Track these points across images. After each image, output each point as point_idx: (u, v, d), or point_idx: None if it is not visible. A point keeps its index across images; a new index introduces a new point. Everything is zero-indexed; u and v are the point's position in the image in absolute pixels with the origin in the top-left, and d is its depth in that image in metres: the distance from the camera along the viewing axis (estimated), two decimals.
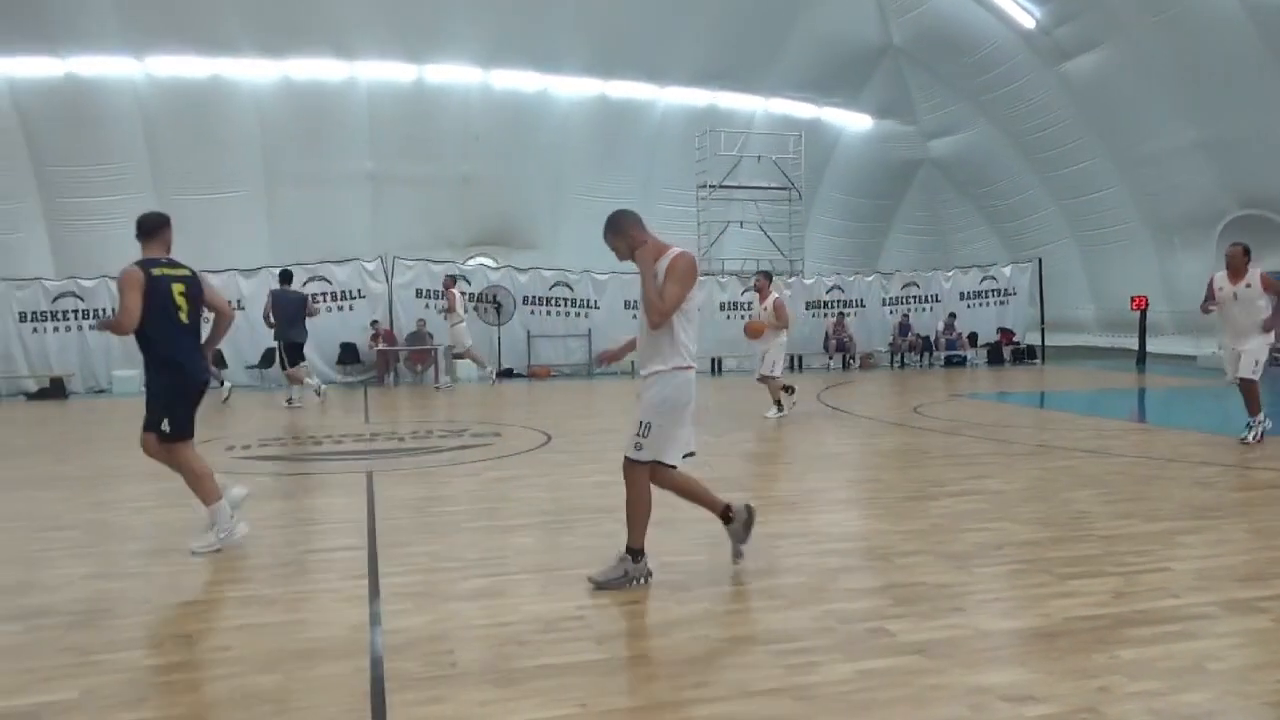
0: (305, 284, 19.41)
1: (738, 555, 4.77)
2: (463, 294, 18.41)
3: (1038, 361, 22.67)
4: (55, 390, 17.64)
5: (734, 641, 3.77)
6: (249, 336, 18.53)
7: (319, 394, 14.68)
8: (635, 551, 4.50)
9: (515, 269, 20.42)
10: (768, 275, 12.69)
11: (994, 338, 23.03)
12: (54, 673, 3.53)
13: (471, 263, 21.54)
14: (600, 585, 4.43)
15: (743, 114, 25.39)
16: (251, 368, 18.77)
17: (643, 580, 4.49)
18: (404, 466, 8.47)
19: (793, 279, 22.92)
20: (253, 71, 20.74)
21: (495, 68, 22.67)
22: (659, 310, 4.40)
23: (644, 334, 4.57)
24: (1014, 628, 3.94)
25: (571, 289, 20.71)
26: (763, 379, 12.06)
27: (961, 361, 22.55)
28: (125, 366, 18.39)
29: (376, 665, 3.55)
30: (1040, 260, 23.26)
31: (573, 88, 23.64)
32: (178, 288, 5.37)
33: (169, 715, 3.14)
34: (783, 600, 4.28)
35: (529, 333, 20.07)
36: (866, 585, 4.54)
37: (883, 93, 25.72)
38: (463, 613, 4.19)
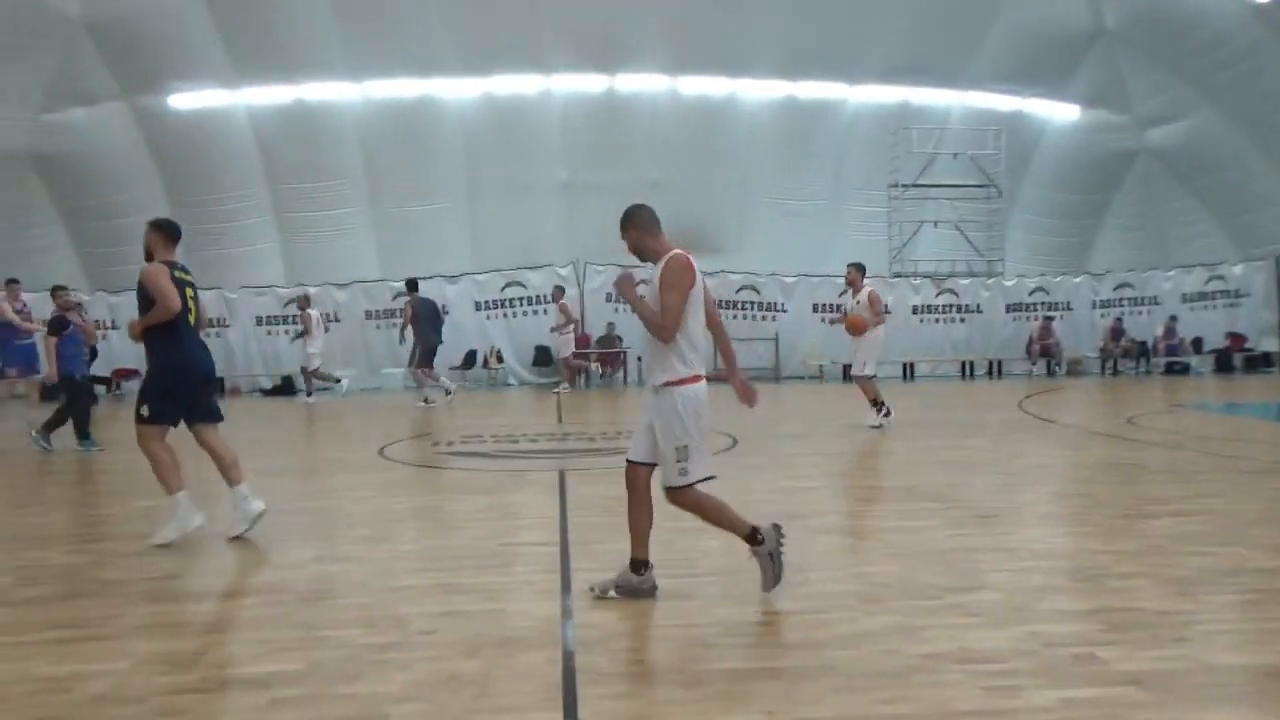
0: (503, 289, 20.42)
1: (768, 585, 4.29)
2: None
3: (1275, 370, 20.45)
4: (285, 388, 19.38)
5: (928, 658, 3.64)
6: (452, 339, 19.62)
7: (449, 393, 15.71)
8: (754, 537, 4.32)
9: (703, 273, 20.56)
10: (859, 267, 11.77)
11: (1222, 343, 20.99)
12: (285, 644, 3.89)
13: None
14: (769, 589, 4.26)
15: (938, 109, 24.39)
16: (455, 369, 19.86)
17: (780, 549, 4.30)
18: (594, 466, 8.71)
19: (992, 280, 21.81)
20: (457, 90, 21.99)
21: (683, 74, 22.93)
22: (660, 327, 4.30)
23: (650, 343, 4.42)
24: (1246, 663, 3.58)
25: (758, 292, 20.63)
26: (857, 380, 11.44)
27: (1184, 369, 20.72)
28: (344, 366, 19.99)
29: (568, 658, 3.68)
30: (1278, 259, 20.98)
31: (761, 90, 23.52)
32: (189, 291, 5.86)
33: (383, 692, 3.38)
34: (981, 618, 4.08)
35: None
36: (1075, 607, 4.25)
37: (1093, 80, 23.96)
38: (650, 612, 4.26)
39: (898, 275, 22.17)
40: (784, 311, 20.63)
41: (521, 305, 20.33)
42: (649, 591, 4.45)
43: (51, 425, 10.21)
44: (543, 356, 20.20)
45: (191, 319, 5.87)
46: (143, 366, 6.46)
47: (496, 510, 6.70)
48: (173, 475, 5.71)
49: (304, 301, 17.73)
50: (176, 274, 5.80)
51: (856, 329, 11.12)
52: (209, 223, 22.27)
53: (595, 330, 20.14)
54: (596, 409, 15.29)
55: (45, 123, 21.64)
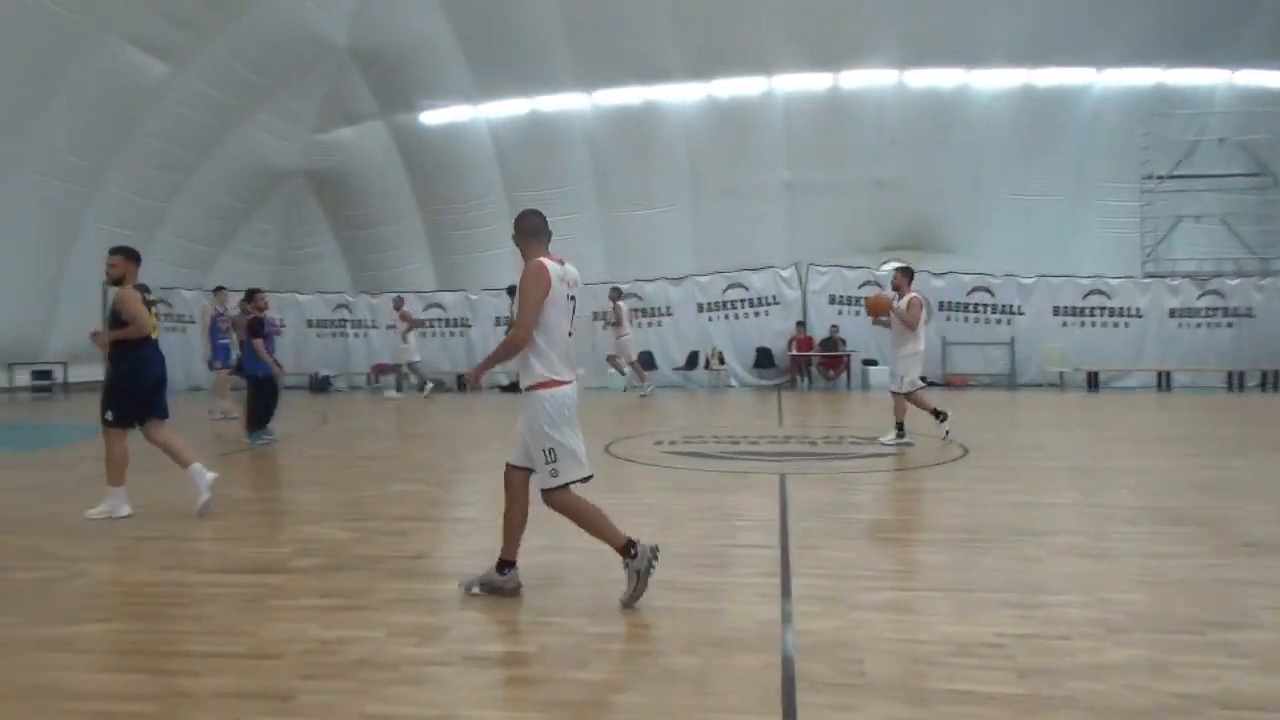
0: (725, 291, 20.59)
1: (628, 600, 4.33)
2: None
3: None
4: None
5: (1185, 699, 3.31)
6: (675, 340, 20.05)
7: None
8: (627, 551, 4.40)
9: (931, 273, 19.76)
10: (906, 271, 10.59)
11: None
12: (517, 627, 4.14)
13: (886, 268, 21.23)
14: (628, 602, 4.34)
15: (1200, 91, 22.07)
16: (678, 369, 20.23)
17: (650, 570, 4.36)
18: (816, 470, 8.60)
19: (1266, 280, 19.47)
20: (681, 95, 22.41)
21: (912, 67, 22.13)
22: (514, 337, 4.47)
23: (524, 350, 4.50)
24: None
25: (992, 294, 19.55)
26: (898, 394, 10.18)
27: None
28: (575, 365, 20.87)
29: (787, 664, 3.66)
30: None
31: (995, 80, 22.29)
32: (153, 310, 6.84)
33: (607, 680, 3.52)
34: (1250, 660, 3.66)
35: (944, 340, 19.28)
36: None
37: None
38: (873, 623, 4.16)
39: (1151, 275, 20.29)
40: (1020, 314, 19.41)
41: (743, 307, 20.40)
42: (512, 590, 4.56)
43: (257, 423, 11.14)
44: (764, 358, 20.17)
45: (155, 334, 6.84)
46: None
47: (717, 510, 6.77)
48: (120, 471, 6.71)
49: (615, 294, 18.59)
50: (147, 297, 6.79)
51: (877, 309, 10.30)
52: (453, 229, 24.08)
53: (818, 332, 19.86)
54: (819, 412, 15.07)
55: (317, 141, 24.23)
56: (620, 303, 18.53)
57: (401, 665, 3.67)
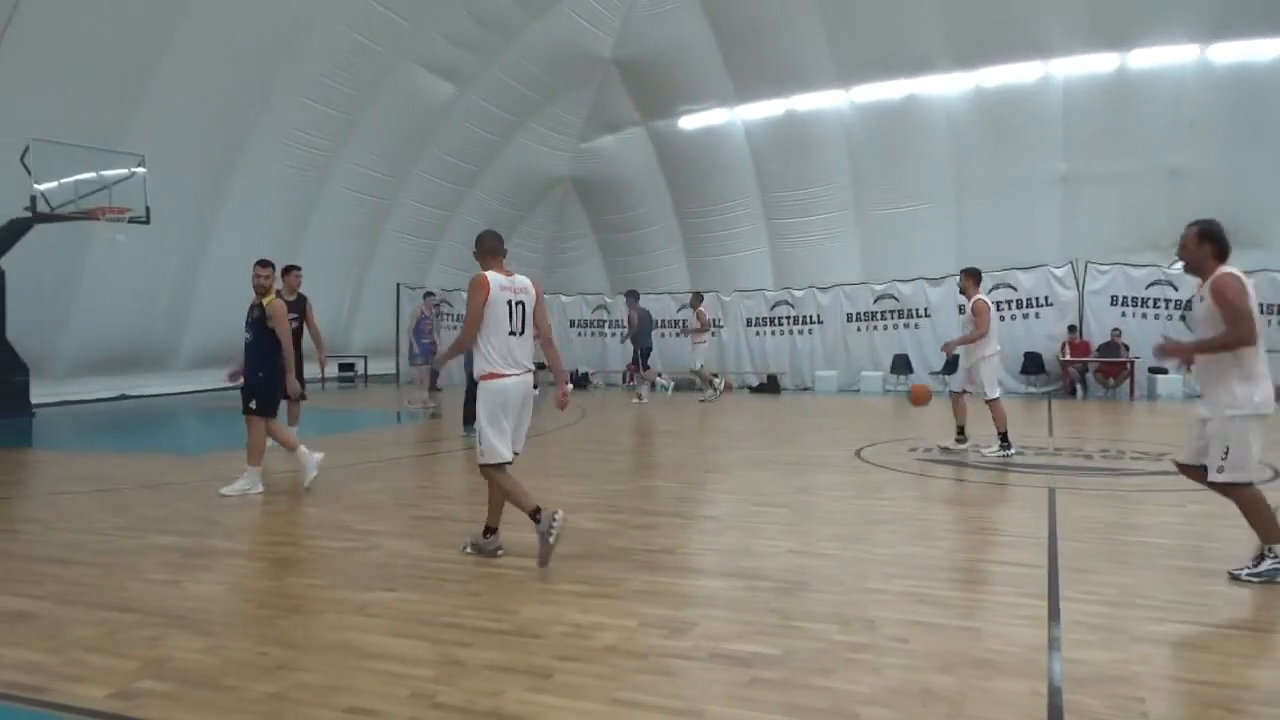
0: (991, 290, 19.39)
1: (541, 561, 5.14)
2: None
3: None
4: (771, 385, 20.48)
5: None
6: (933, 343, 19.20)
7: (668, 390, 16.74)
8: (534, 516, 5.23)
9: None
10: (973, 274, 9.81)
11: None
12: (763, 629, 4.13)
13: (1177, 266, 19.09)
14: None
15: None
16: (935, 373, 19.36)
17: (550, 533, 5.10)
18: (1090, 486, 7.91)
19: None
20: (945, 86, 21.33)
21: (1217, 40, 19.69)
22: (460, 338, 5.52)
23: None
24: None
25: None
26: (990, 402, 9.55)
27: None
28: (825, 368, 20.58)
29: (1055, 694, 3.39)
30: None
31: None
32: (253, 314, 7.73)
33: (853, 690, 3.43)
34: None
35: (1268, 348, 16.98)
36: None
37: None
38: (1156, 658, 3.76)
39: None
40: None
41: (1009, 309, 19.16)
42: (493, 552, 5.49)
43: (471, 417, 11.89)
44: (1032, 364, 18.82)
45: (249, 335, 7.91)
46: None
47: (976, 523, 6.40)
48: (259, 454, 7.61)
49: (697, 299, 18.61)
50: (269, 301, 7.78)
51: (920, 400, 11.06)
52: (707, 231, 24.44)
53: (1096, 336, 18.24)
54: (1094, 423, 13.84)
55: (582, 150, 25.51)
56: (702, 308, 18.26)
57: (650, 655, 3.79)
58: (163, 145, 15.11)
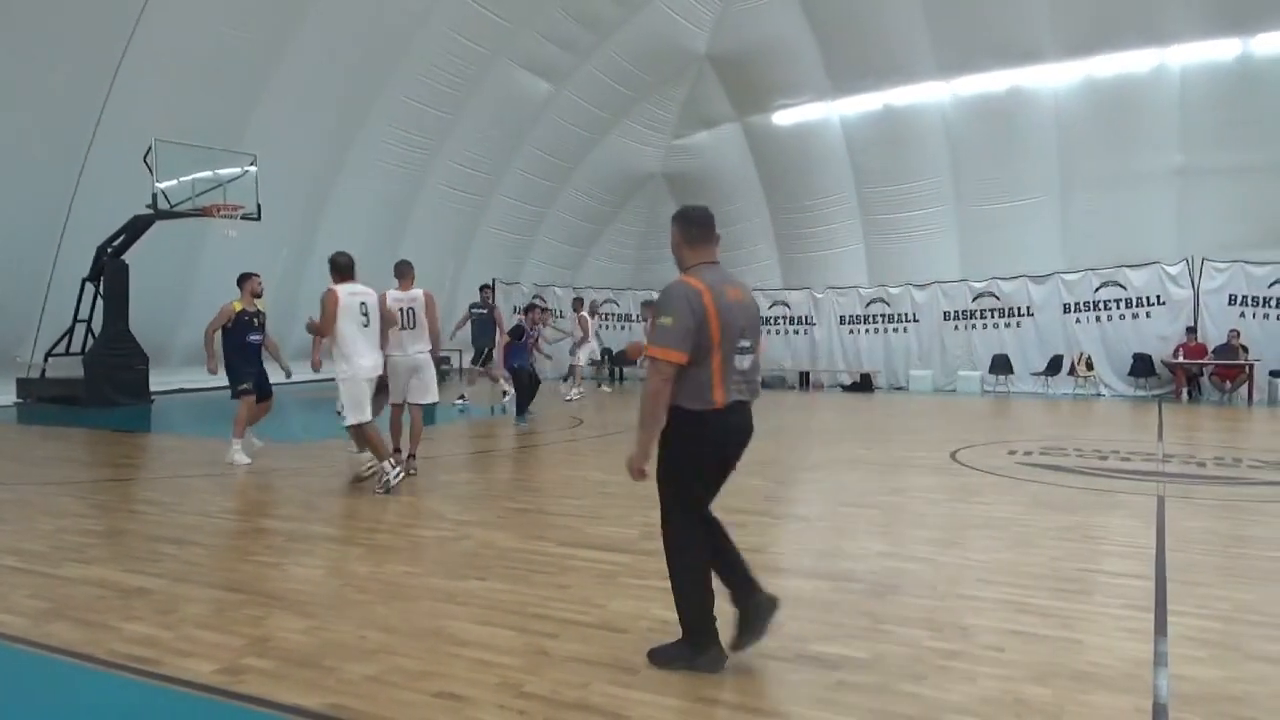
0: (1097, 290, 18.68)
1: (380, 487, 7.28)
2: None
3: None
4: (864, 384, 20.13)
5: None
6: (1036, 343, 18.62)
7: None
8: (395, 452, 7.89)
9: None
10: None
11: None
12: (852, 631, 4.07)
13: None
14: None
15: None
16: (1036, 374, 18.71)
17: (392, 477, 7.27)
18: (1202, 495, 7.53)
19: None
20: (1053, 77, 20.54)
21: None
22: (316, 340, 8.12)
23: None
24: None
25: None
26: None
27: None
28: (921, 367, 20.13)
29: (1160, 711, 3.25)
30: None
31: None
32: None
33: (945, 699, 3.35)
34: None
35: None
36: None
37: None
38: (1273, 678, 3.56)
39: None
40: None
41: (1118, 308, 18.39)
42: (399, 474, 7.36)
43: (521, 407, 13.35)
44: (1141, 366, 18.01)
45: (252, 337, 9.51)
46: None
47: (1079, 531, 6.16)
48: (243, 426, 9.01)
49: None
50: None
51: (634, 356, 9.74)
52: (800, 228, 24.12)
53: (1213, 337, 17.34)
54: (1209, 429, 13.16)
55: (675, 146, 25.49)
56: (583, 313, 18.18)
57: (736, 655, 3.77)
58: (274, 145, 15.75)
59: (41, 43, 13.05)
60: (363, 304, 7.42)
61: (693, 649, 3.61)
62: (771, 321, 21.97)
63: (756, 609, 3.65)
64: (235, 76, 15.49)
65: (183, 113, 14.66)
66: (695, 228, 3.75)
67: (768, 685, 3.49)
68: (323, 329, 7.31)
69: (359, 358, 7.34)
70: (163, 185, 14.01)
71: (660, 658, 3.65)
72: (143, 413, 14.12)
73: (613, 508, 6.88)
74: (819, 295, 21.66)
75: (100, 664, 3.66)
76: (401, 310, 7.92)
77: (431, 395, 8.26)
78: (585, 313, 18.51)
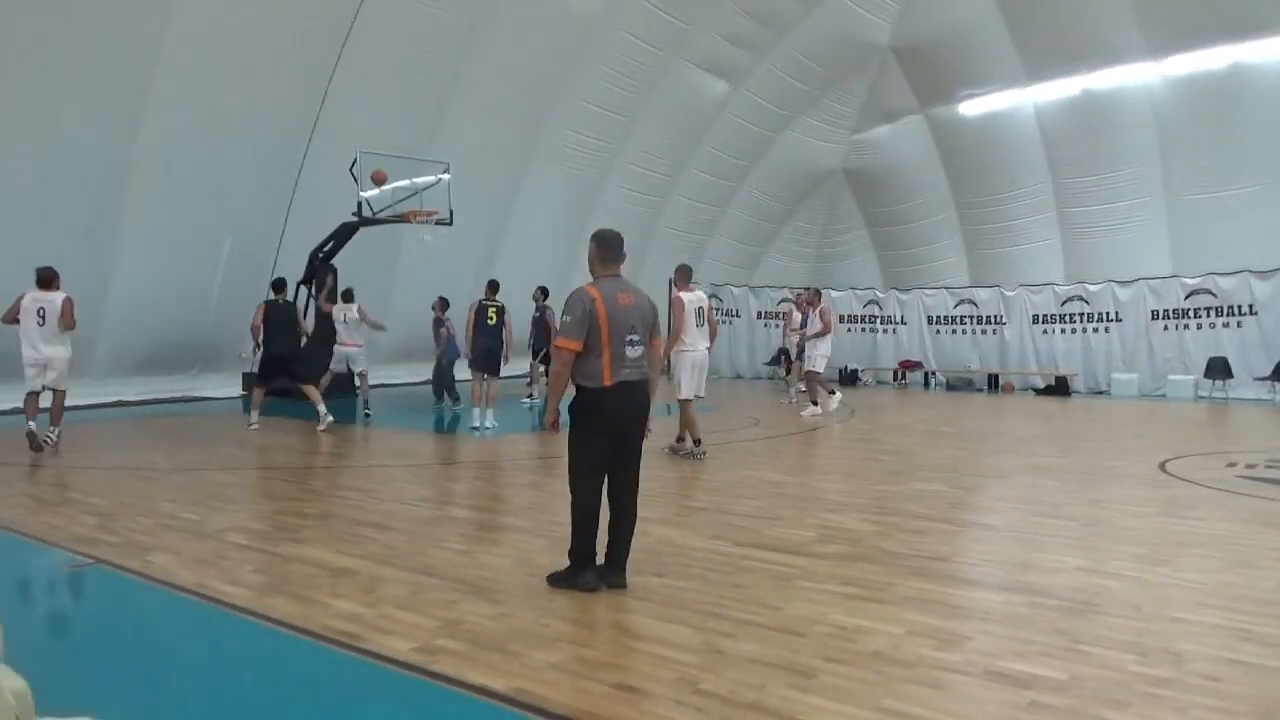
0: None
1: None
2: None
3: None
4: (1060, 388, 18.96)
5: None
6: (1261, 344, 16.94)
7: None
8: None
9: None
10: None
11: None
12: (1046, 650, 3.83)
13: None
14: None
15: None
16: (1261, 379, 17.05)
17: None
18: None
19: None
20: None
21: None
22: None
23: None
24: None
25: None
26: None
27: None
28: (1124, 370, 18.74)
29: None
30: None
31: None
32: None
33: None
34: None
35: None
36: None
37: None
38: None
39: None
40: None
41: None
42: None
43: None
44: None
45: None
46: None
47: None
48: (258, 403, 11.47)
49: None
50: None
51: None
52: (989, 223, 22.97)
53: None
54: None
55: (855, 141, 24.89)
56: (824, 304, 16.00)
57: (919, 666, 3.64)
58: (464, 153, 16.58)
59: (265, 67, 14.29)
60: (698, 310, 9.57)
61: (573, 573, 4.65)
62: (957, 321, 21.11)
63: (603, 573, 4.68)
64: (429, 89, 16.44)
65: (383, 125, 15.71)
66: (606, 249, 4.89)
67: (955, 700, 3.35)
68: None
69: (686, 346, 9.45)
70: (366, 194, 15.02)
71: (554, 581, 4.71)
72: (349, 406, 15.20)
73: (788, 509, 6.81)
74: (1009, 293, 20.58)
75: (313, 636, 3.98)
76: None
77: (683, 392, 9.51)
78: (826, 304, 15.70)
